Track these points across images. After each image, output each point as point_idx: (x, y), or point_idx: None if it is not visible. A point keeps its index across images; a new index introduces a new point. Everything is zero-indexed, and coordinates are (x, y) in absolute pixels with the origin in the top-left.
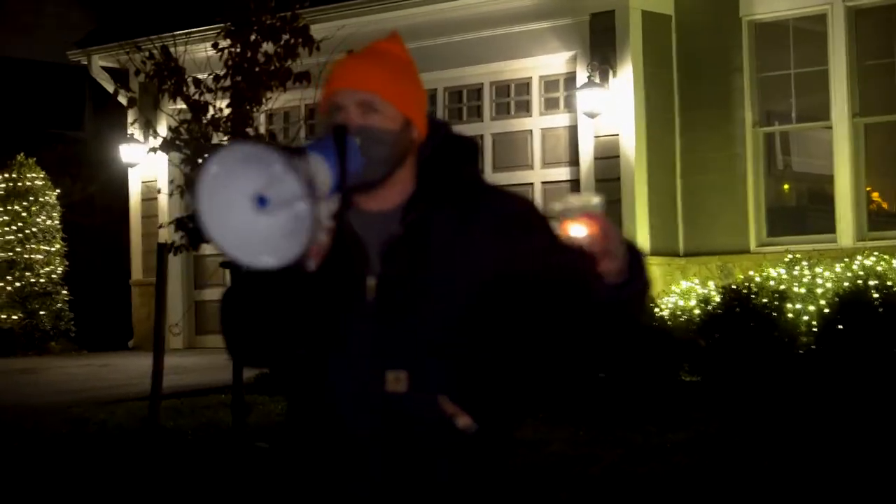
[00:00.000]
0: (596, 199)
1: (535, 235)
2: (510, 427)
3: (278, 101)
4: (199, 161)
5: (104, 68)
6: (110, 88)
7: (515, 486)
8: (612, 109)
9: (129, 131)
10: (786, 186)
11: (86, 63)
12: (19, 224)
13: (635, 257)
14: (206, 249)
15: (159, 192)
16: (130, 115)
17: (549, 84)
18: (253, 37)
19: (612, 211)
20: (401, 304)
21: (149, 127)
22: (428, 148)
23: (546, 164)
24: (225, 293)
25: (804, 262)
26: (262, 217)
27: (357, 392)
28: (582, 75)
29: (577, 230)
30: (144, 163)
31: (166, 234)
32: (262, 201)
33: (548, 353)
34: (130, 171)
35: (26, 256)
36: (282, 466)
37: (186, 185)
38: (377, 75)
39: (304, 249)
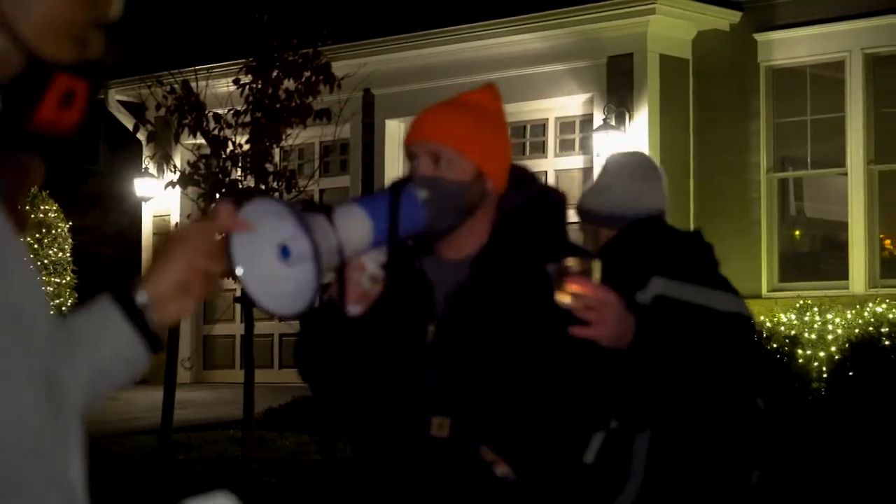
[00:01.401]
0: (589, 264)
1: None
2: (554, 476)
3: (295, 138)
4: (217, 196)
5: (121, 102)
6: (127, 122)
7: None
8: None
9: (144, 165)
10: (798, 232)
11: (102, 97)
12: (31, 256)
13: (647, 325)
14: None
15: (177, 226)
16: (147, 150)
17: (565, 126)
18: (275, 73)
19: None
20: (454, 351)
21: (167, 161)
22: (513, 200)
23: None
24: (298, 334)
25: (815, 308)
26: (283, 267)
27: (405, 434)
28: (598, 117)
29: (566, 295)
30: (158, 197)
31: None
32: (285, 252)
33: (585, 406)
34: (144, 206)
35: None
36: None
37: None
38: (449, 127)
39: (306, 307)
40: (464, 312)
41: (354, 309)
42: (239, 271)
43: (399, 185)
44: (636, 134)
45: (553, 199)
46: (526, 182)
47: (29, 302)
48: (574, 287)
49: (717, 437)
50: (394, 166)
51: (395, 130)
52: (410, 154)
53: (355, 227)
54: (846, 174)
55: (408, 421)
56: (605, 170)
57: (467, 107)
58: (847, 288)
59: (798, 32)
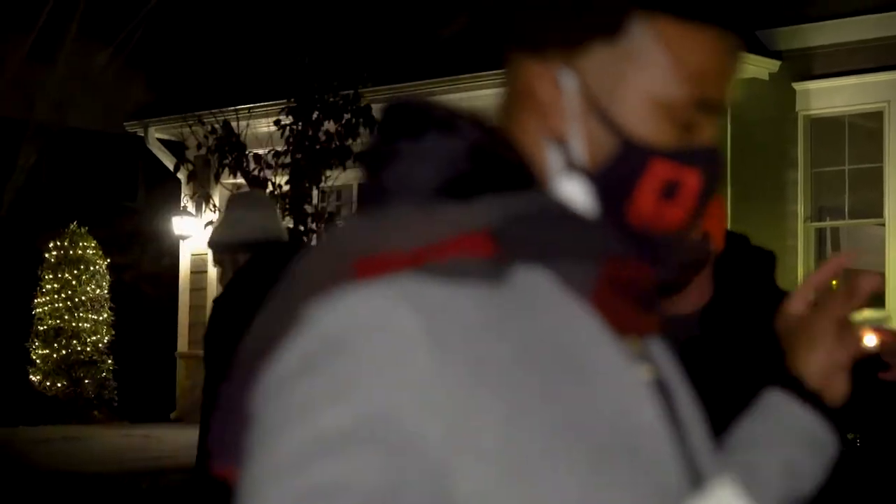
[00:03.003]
0: (885, 314)
1: None
2: None
3: (331, 179)
4: None
5: (160, 140)
6: (165, 160)
7: None
8: None
9: (183, 204)
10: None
11: (142, 134)
12: (69, 292)
13: None
14: None
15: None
16: (187, 189)
17: None
18: (315, 115)
19: None
20: None
21: (207, 201)
22: (727, 259)
23: None
24: None
25: None
26: None
27: None
28: None
29: (869, 339)
30: (196, 235)
31: None
32: None
33: None
34: (182, 244)
35: (74, 325)
36: None
37: None
38: None
39: None
40: (692, 361)
41: None
42: None
43: None
44: None
45: (765, 255)
46: (739, 242)
47: (643, 425)
48: (877, 334)
49: None
50: None
51: None
52: None
53: None
54: (884, 224)
55: None
56: (231, 205)
57: None
58: None
59: (837, 82)
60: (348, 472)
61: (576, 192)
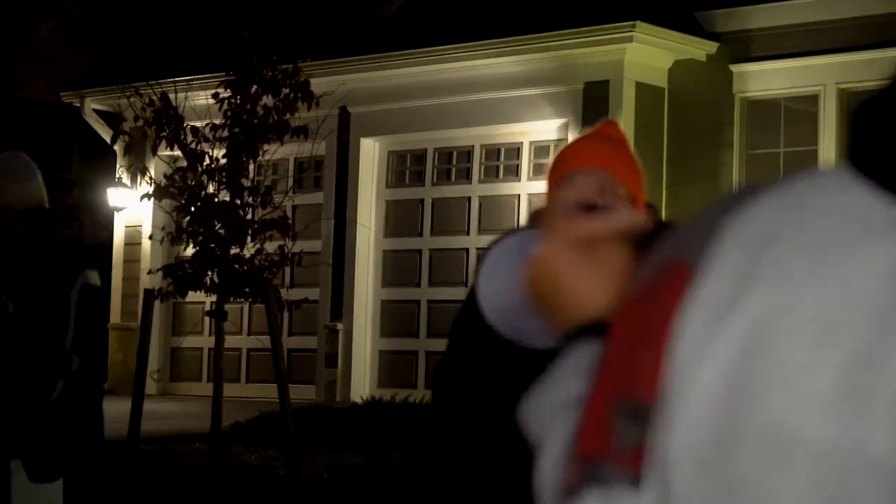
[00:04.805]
0: None
1: None
2: None
3: (268, 153)
4: (193, 209)
5: (97, 111)
6: (102, 131)
7: None
8: None
9: (118, 175)
10: None
11: (78, 105)
12: None
13: None
14: (189, 297)
15: (151, 238)
16: (123, 160)
17: (540, 150)
18: (253, 89)
19: None
20: None
21: (143, 173)
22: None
23: None
24: (448, 361)
25: None
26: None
27: None
28: None
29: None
30: (130, 207)
31: (148, 280)
32: None
33: None
34: (116, 216)
35: None
36: None
37: (177, 233)
38: (613, 157)
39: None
40: None
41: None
42: (486, 306)
43: None
44: None
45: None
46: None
47: None
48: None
49: None
50: (367, 184)
51: (369, 148)
52: (564, 182)
53: None
54: None
55: None
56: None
57: (615, 141)
58: None
59: (773, 65)
60: None
61: None
